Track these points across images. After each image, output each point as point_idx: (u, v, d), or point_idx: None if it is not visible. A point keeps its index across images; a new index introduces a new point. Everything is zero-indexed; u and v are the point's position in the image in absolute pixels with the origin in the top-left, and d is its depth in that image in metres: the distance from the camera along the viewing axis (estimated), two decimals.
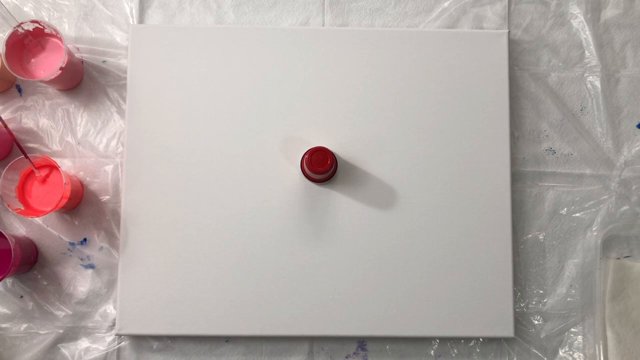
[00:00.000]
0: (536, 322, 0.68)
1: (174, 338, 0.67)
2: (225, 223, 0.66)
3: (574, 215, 0.69)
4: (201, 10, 0.72)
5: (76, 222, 0.68)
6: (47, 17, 0.71)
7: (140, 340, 0.67)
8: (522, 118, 0.70)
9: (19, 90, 0.70)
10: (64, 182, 0.62)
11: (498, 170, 0.67)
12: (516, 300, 0.68)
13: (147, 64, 0.68)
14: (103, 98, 0.70)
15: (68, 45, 0.66)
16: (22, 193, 0.65)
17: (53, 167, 0.65)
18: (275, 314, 0.65)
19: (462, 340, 0.67)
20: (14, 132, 0.66)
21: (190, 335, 0.66)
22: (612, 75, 0.71)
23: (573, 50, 0.72)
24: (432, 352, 0.67)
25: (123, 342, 0.67)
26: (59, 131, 0.69)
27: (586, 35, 0.71)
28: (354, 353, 0.67)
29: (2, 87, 0.69)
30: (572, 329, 0.67)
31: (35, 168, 0.63)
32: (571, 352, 0.67)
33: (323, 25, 0.72)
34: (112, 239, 0.68)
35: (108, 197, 0.68)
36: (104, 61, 0.71)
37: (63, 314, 0.67)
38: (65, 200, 0.63)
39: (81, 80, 0.70)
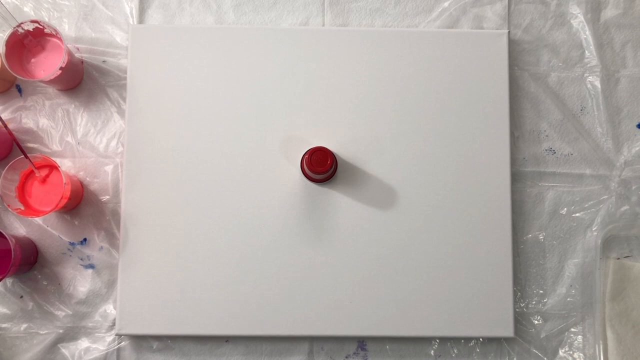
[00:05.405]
0: (536, 322, 0.68)
1: (174, 338, 0.67)
2: (225, 223, 0.66)
3: (574, 215, 0.69)
4: (201, 10, 0.72)
5: (76, 222, 0.68)
6: (47, 17, 0.71)
7: (140, 340, 0.67)
8: (522, 118, 0.70)
9: (19, 90, 0.70)
10: (64, 182, 0.62)
11: (498, 170, 0.67)
12: (516, 300, 0.68)
13: (147, 64, 0.68)
14: (103, 98, 0.70)
15: (68, 45, 0.66)
16: (22, 193, 0.65)
17: (53, 167, 0.65)
18: (275, 314, 0.65)
19: (462, 340, 0.67)
20: (14, 132, 0.66)
21: (190, 335, 0.66)
22: (612, 75, 0.71)
23: (573, 50, 0.72)
24: (432, 352, 0.67)
25: (123, 342, 0.67)
26: (59, 131, 0.69)
27: (586, 35, 0.71)
28: (354, 353, 0.67)
29: (2, 87, 0.69)
30: (572, 329, 0.67)
31: (35, 168, 0.63)
32: (571, 352, 0.67)
33: (323, 25, 0.72)
34: (112, 239, 0.68)
35: (108, 197, 0.68)
36: (104, 61, 0.71)
37: (63, 314, 0.67)
38: (65, 200, 0.63)
39: (81, 80, 0.70)
